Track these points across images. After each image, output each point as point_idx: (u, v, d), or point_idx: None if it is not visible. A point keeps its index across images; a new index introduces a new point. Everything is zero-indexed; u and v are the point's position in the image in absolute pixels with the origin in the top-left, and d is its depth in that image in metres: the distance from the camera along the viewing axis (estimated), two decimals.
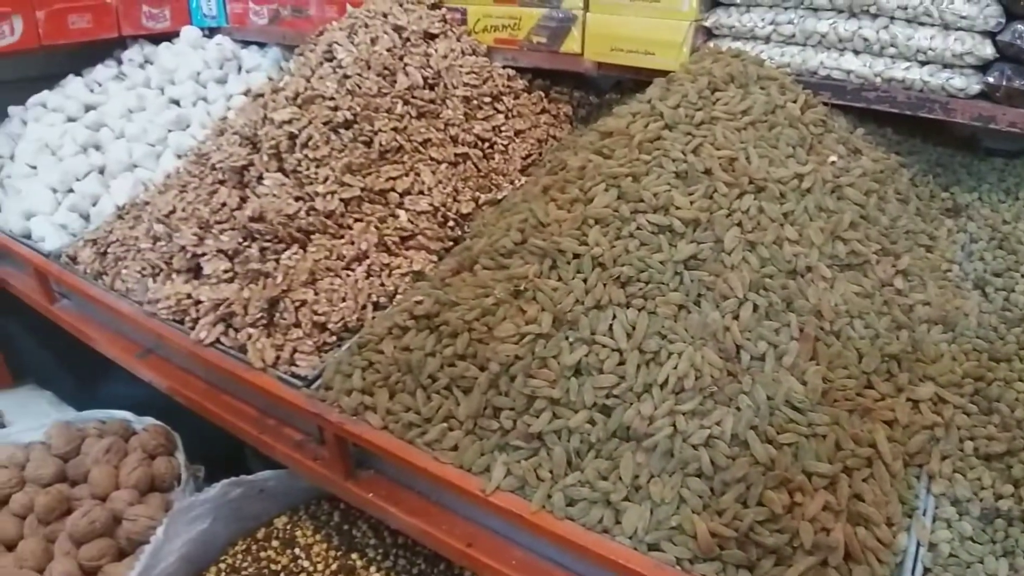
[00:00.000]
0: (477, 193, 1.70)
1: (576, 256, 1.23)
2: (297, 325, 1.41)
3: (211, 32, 2.65)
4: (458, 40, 1.96)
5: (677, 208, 1.24)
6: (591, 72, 1.89)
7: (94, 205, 2.01)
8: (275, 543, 1.57)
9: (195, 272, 1.58)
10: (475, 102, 1.85)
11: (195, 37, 2.56)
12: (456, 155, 1.73)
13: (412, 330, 1.29)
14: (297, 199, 1.57)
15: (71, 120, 2.28)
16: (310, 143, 1.61)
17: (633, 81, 1.86)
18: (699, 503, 1.02)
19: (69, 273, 1.77)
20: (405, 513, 1.23)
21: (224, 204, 1.61)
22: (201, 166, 1.74)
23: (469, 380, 1.19)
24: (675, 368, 1.09)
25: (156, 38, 2.62)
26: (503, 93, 1.93)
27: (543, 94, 2.03)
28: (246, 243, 1.54)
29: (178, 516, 1.43)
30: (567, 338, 1.16)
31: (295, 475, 1.52)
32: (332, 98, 1.70)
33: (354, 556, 1.53)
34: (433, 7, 2.01)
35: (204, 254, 1.55)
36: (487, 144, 1.81)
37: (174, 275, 1.58)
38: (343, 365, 1.31)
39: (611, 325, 1.15)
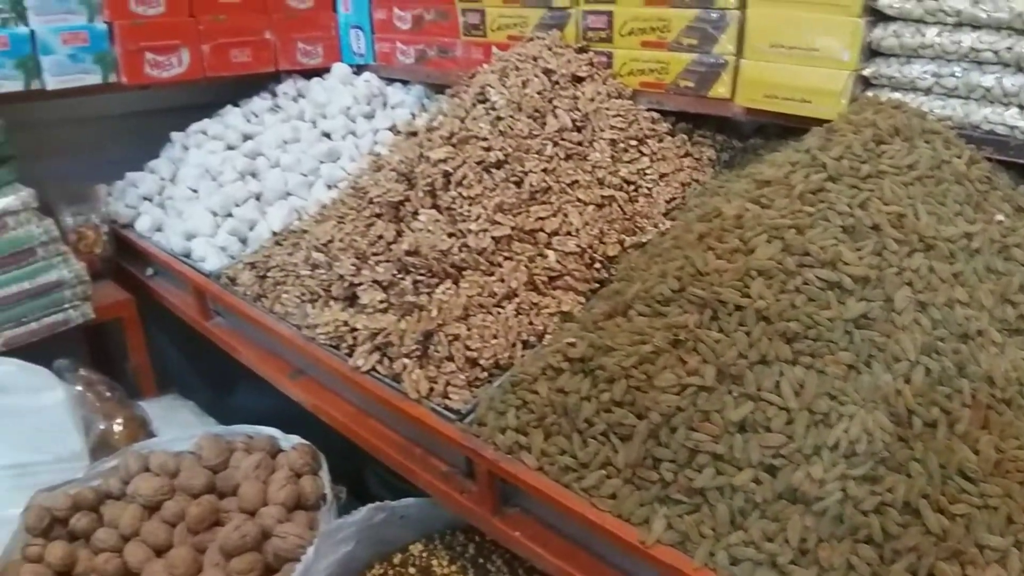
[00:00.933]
0: (622, 236, 1.71)
1: (738, 308, 1.23)
2: (450, 359, 1.45)
3: (359, 69, 2.77)
4: (604, 83, 1.99)
5: (846, 264, 1.22)
6: (739, 117, 1.88)
7: (251, 229, 2.12)
8: (411, 570, 1.60)
9: (351, 300, 1.65)
10: (621, 145, 1.87)
11: (345, 73, 2.68)
12: (603, 197, 1.75)
13: (567, 372, 1.30)
14: (450, 235, 1.62)
15: (230, 148, 2.43)
16: (464, 182, 1.67)
17: (779, 127, 1.85)
18: (868, 571, 0.99)
19: (229, 293, 1.88)
20: (553, 555, 1.24)
21: (380, 237, 1.68)
22: (359, 199, 1.82)
23: (627, 428, 1.19)
24: (846, 431, 1.06)
25: (307, 73, 2.77)
26: (648, 136, 1.94)
27: (686, 137, 2.04)
28: (400, 275, 1.60)
29: (327, 537, 1.48)
30: (731, 392, 1.15)
31: (434, 504, 1.55)
32: (485, 138, 1.75)
33: None
34: (580, 51, 2.05)
35: (360, 284, 1.62)
36: (632, 187, 1.82)
37: (331, 302, 1.65)
38: (496, 402, 1.33)
39: (778, 382, 1.13)
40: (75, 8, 2.22)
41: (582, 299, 1.57)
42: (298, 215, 2.16)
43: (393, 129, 2.49)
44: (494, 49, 2.29)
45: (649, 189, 1.85)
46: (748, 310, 1.21)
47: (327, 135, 2.44)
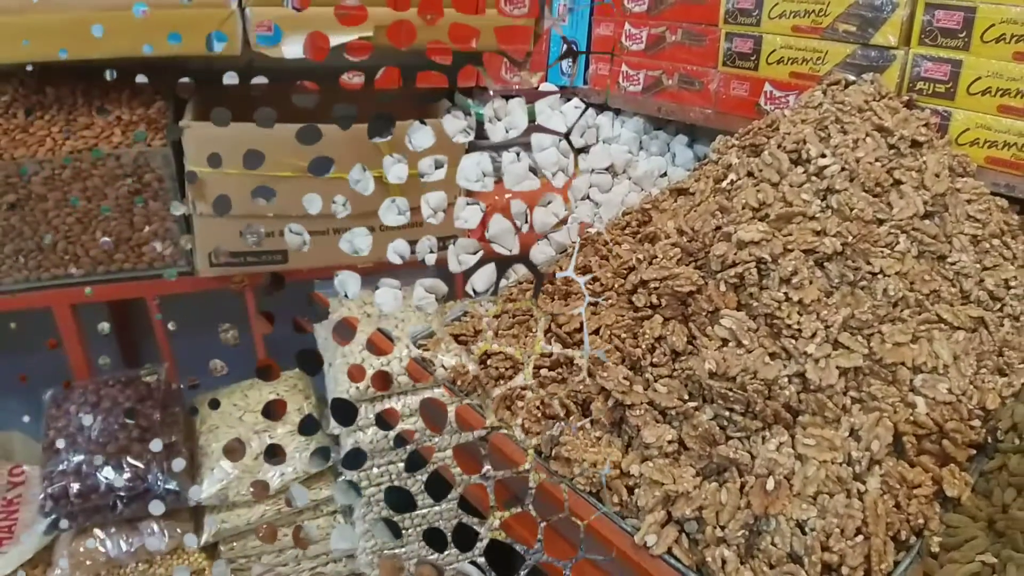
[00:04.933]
0: (994, 376, 1.21)
1: None
2: (795, 560, 0.97)
3: (561, 91, 2.34)
4: (941, 153, 1.49)
5: None
6: None
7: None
8: None
9: (616, 426, 1.19)
10: (984, 244, 1.37)
11: (555, 97, 2.25)
12: (971, 318, 1.25)
13: None
14: (772, 356, 1.14)
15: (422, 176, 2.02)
16: (794, 280, 1.19)
17: None
18: None
19: (428, 377, 1.44)
20: None
21: (660, 339, 1.22)
22: (617, 276, 1.36)
23: None
24: None
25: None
26: (1002, 232, 1.43)
27: None
28: (694, 404, 1.13)
29: None
30: None
31: None
32: (814, 217, 1.27)
33: None
34: (908, 104, 1.56)
35: (632, 406, 1.16)
36: (998, 304, 1.32)
37: (589, 425, 1.20)
38: None
39: None
40: None
41: (967, 476, 1.08)
42: (506, 276, 1.72)
43: (611, 169, 2.04)
44: (767, 87, 1.83)
45: (1013, 308, 1.34)
46: None
47: (533, 171, 2.00)
